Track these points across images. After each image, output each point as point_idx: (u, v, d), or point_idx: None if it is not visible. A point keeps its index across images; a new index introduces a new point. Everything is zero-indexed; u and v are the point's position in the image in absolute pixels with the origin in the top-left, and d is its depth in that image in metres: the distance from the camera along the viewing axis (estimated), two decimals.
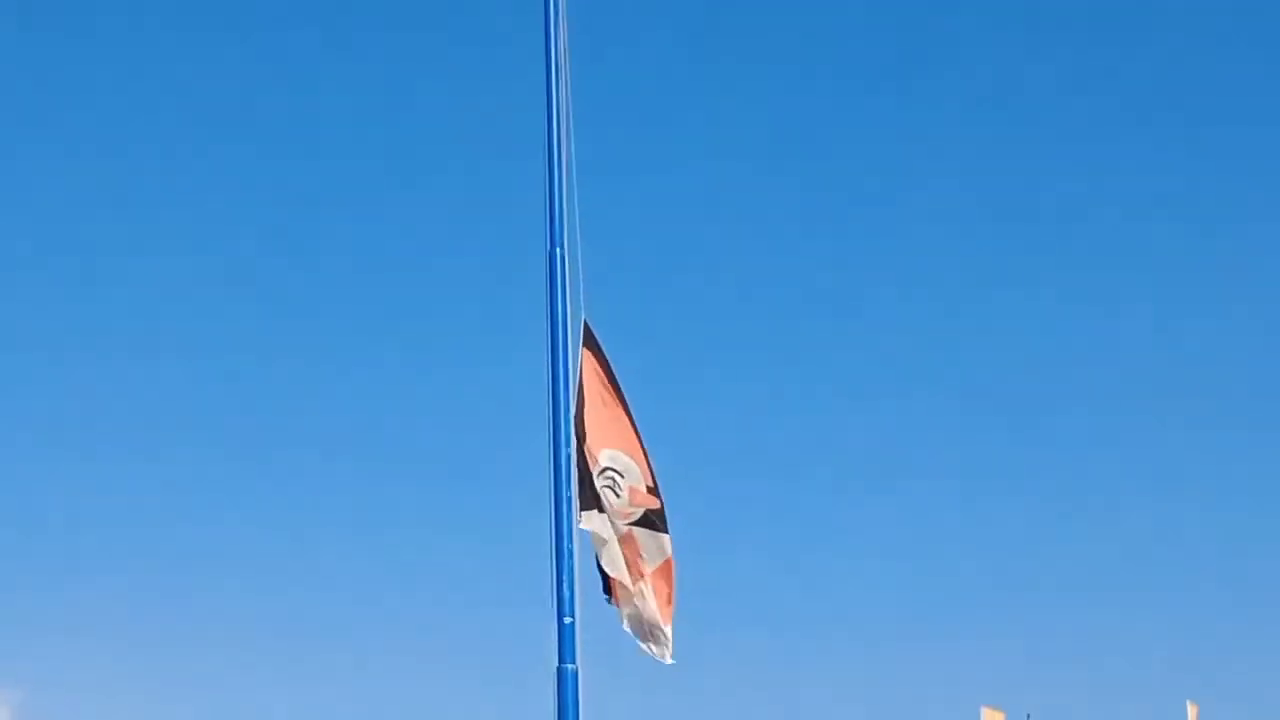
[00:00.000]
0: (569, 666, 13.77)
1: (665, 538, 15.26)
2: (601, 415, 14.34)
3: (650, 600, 14.95)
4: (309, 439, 76.29)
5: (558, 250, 14.64)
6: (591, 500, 14.29)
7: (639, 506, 14.60)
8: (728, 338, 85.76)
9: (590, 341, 14.09)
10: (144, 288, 65.73)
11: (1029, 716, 29.12)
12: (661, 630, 14.76)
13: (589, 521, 14.26)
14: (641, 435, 14.70)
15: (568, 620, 13.79)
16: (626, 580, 14.53)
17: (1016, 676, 72.00)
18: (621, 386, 14.55)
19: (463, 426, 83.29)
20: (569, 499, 14.01)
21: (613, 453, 14.69)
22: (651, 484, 14.88)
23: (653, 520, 15.12)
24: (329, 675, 78.47)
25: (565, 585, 13.82)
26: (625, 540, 14.72)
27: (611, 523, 14.55)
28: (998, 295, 77.72)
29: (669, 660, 14.68)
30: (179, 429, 65.57)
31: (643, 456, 14.86)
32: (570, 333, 14.74)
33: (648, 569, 14.80)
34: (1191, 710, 39.96)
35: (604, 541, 14.62)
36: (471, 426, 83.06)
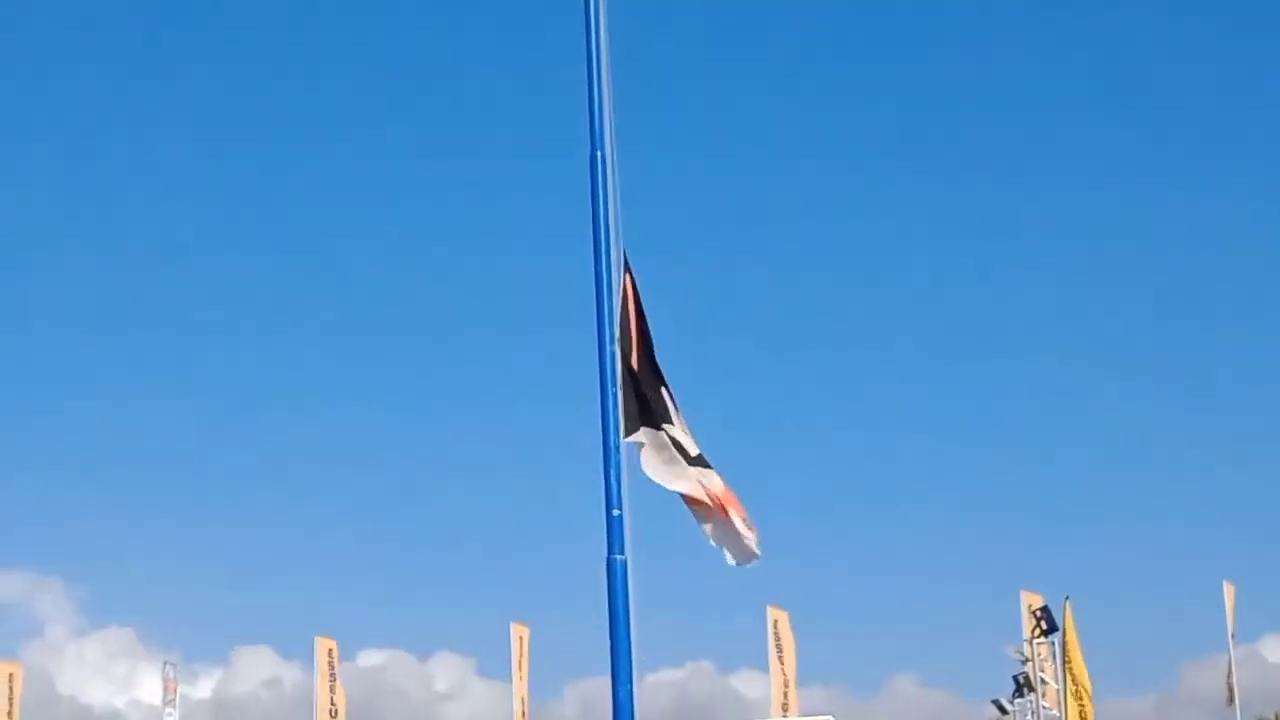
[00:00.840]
0: (618, 557, 14.13)
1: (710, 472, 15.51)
2: (639, 347, 14.56)
3: (730, 517, 15.09)
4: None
5: (599, 153, 14.84)
6: (642, 418, 14.48)
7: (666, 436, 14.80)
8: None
9: (628, 270, 14.29)
10: None
11: (1068, 598, 29.37)
12: (747, 538, 15.01)
13: (644, 438, 14.44)
14: (665, 375, 14.92)
15: (616, 513, 14.13)
16: (701, 495, 14.75)
17: (1054, 560, 72.84)
18: (649, 327, 14.76)
19: (516, 330, 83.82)
20: (614, 394, 14.30)
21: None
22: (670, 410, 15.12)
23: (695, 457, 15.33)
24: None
25: (613, 478, 14.15)
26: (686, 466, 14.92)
27: (673, 441, 14.75)
28: None
29: (755, 555, 14.94)
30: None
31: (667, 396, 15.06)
32: (613, 232, 14.96)
33: (710, 490, 15.01)
34: (1228, 590, 40.31)
35: (667, 457, 14.76)
36: (524, 331, 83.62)
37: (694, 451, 15.33)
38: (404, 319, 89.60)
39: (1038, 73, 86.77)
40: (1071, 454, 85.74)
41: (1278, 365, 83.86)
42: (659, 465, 14.74)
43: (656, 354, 14.69)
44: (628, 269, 14.31)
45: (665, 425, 14.63)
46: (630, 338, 14.32)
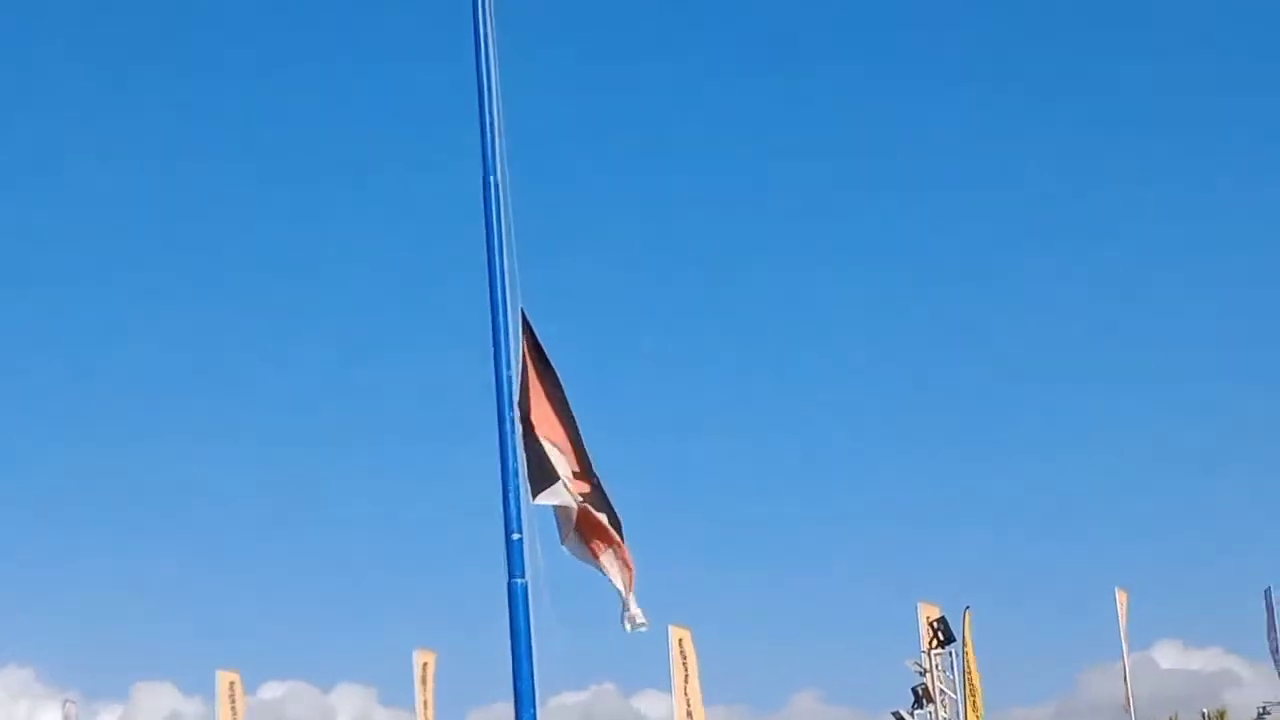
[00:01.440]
0: (519, 581, 14.20)
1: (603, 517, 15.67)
2: (541, 404, 14.69)
3: (617, 572, 15.24)
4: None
5: (491, 178, 14.92)
6: (546, 477, 14.60)
7: (574, 494, 14.97)
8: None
9: (527, 330, 14.39)
10: None
11: (967, 608, 29.74)
12: (627, 601, 15.18)
13: (548, 498, 14.56)
14: (573, 418, 15.06)
15: (515, 536, 14.20)
16: (598, 550, 14.93)
17: (949, 570, 73.71)
18: (555, 368, 14.86)
19: (412, 361, 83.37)
20: (513, 419, 14.37)
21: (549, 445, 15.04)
22: (578, 469, 15.30)
23: (592, 501, 15.49)
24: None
25: (511, 502, 14.23)
26: (583, 516, 15.03)
27: (570, 494, 14.89)
28: None
29: (642, 626, 15.14)
30: None
31: (568, 442, 15.24)
32: (507, 258, 15.03)
33: (604, 545, 15.18)
34: (1121, 598, 41.02)
35: (569, 517, 14.88)
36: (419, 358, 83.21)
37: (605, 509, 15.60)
38: (299, 350, 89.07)
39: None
40: (966, 462, 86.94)
41: (1170, 365, 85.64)
42: (570, 530, 14.97)
43: (570, 404, 14.83)
44: (526, 330, 14.39)
45: (567, 481, 14.81)
46: (529, 399, 14.47)
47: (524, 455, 14.33)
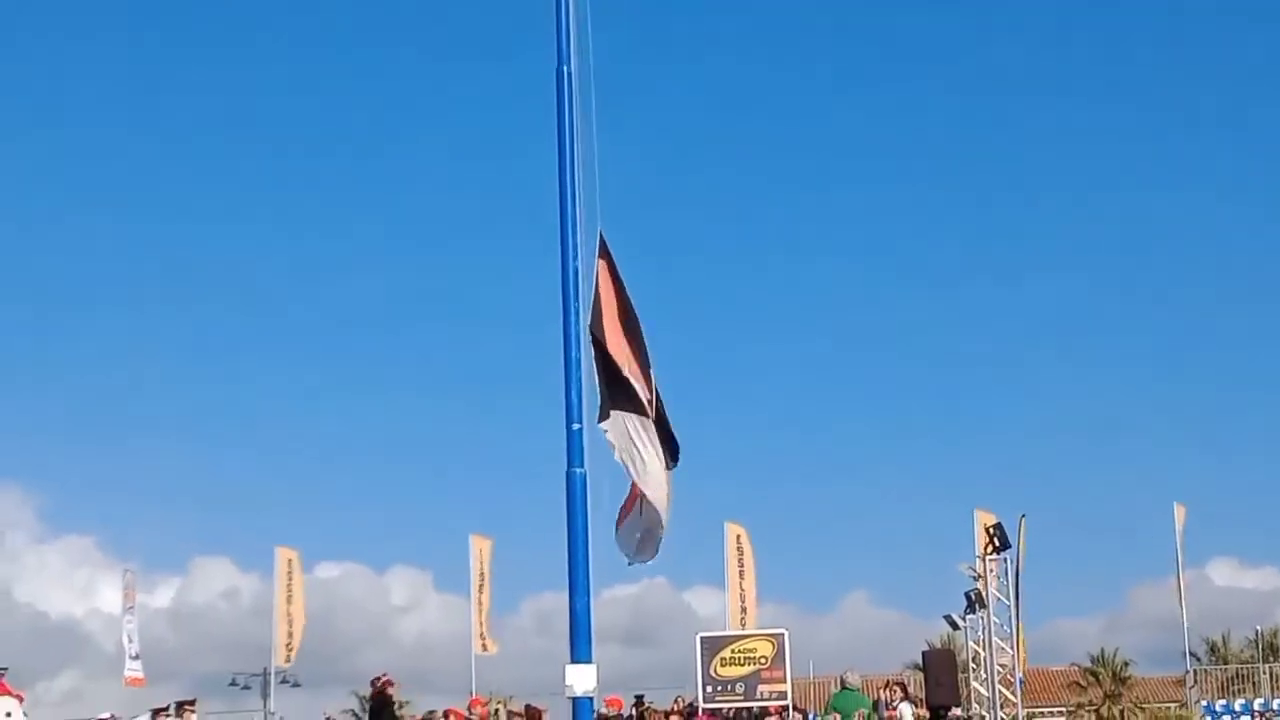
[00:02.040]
0: (578, 470, 14.32)
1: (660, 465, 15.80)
2: (615, 330, 14.57)
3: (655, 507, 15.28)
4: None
5: (565, 68, 14.84)
6: (617, 401, 14.64)
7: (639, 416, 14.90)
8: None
9: (605, 253, 14.27)
10: None
11: (1024, 516, 29.75)
12: (655, 532, 15.35)
13: (613, 422, 14.61)
14: (644, 346, 14.97)
15: (575, 427, 14.30)
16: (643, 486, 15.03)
17: (1006, 482, 73.51)
18: (630, 300, 14.73)
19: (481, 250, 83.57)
20: (578, 311, 14.41)
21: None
22: (650, 396, 15.25)
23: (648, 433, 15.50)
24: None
25: (574, 393, 14.31)
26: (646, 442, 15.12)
27: (638, 425, 14.92)
28: None
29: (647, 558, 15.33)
30: None
31: (639, 371, 15.20)
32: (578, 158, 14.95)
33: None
34: (1179, 512, 40.86)
35: (629, 442, 14.93)
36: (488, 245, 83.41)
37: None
38: (361, 236, 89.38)
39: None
40: (1028, 376, 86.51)
41: (1225, 288, 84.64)
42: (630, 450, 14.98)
43: (644, 332, 14.75)
44: (604, 253, 14.28)
45: (636, 414, 14.81)
46: (602, 323, 14.41)
47: (596, 373, 14.36)
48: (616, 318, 14.74)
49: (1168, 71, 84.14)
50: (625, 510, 15.22)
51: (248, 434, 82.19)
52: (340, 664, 69.38)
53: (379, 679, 23.97)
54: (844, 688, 24.71)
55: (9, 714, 24.23)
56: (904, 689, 25.21)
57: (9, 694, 24.67)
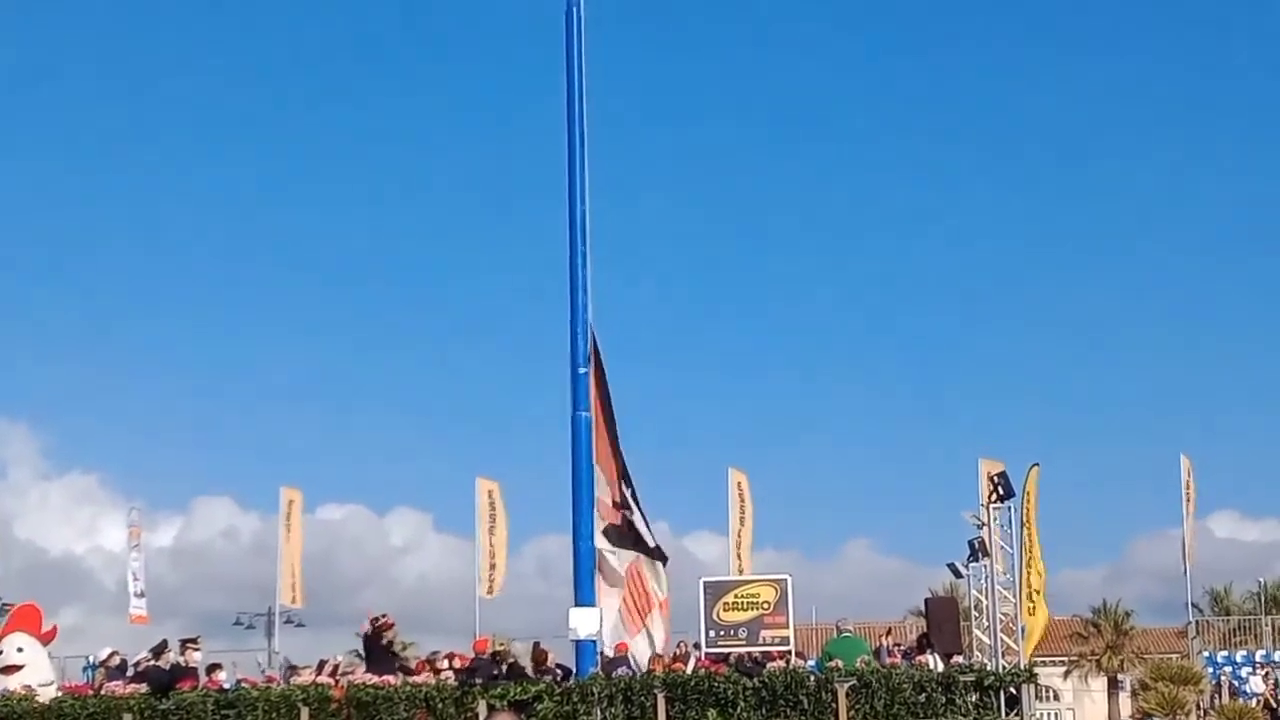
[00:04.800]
0: (583, 414, 14.37)
1: (624, 554, 16.97)
2: (599, 431, 15.30)
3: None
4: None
5: (574, 9, 14.78)
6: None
7: (601, 519, 15.91)
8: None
9: (595, 352, 14.64)
10: None
11: (1035, 464, 29.67)
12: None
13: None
14: (620, 448, 15.59)
15: (582, 370, 14.35)
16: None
17: (1009, 431, 73.56)
18: (610, 393, 15.18)
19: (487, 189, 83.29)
20: (584, 255, 14.41)
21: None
22: (618, 499, 16.11)
23: (610, 536, 16.63)
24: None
25: (580, 338, 14.33)
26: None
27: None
28: None
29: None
30: None
31: (614, 471, 16.00)
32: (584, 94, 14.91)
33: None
34: (1185, 463, 40.86)
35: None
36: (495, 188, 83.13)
37: (650, 543, 16.90)
38: (364, 180, 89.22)
39: None
40: (1033, 325, 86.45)
41: (1224, 244, 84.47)
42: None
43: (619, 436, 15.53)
44: (595, 351, 14.69)
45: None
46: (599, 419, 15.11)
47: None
48: (601, 423, 15.64)
49: None
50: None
51: (251, 375, 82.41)
52: (342, 604, 69.91)
53: (378, 619, 24.12)
54: (841, 633, 24.77)
55: (21, 649, 24.41)
56: (926, 639, 25.35)
57: (23, 630, 24.83)
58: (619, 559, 17.81)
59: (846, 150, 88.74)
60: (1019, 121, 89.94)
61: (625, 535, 17.59)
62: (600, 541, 16.61)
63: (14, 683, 23.72)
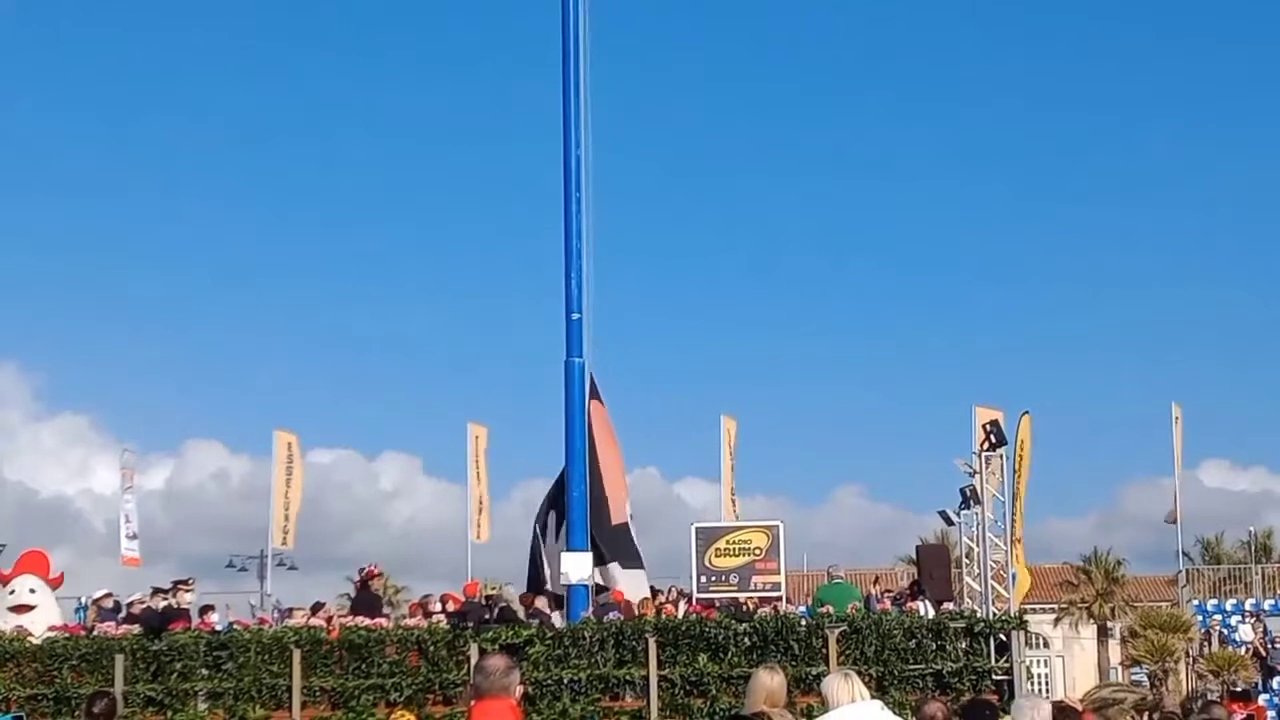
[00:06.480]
0: (576, 360, 14.33)
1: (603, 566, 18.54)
2: (607, 460, 15.97)
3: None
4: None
5: None
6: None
7: (617, 518, 16.75)
8: None
9: (595, 394, 15.00)
10: None
11: (1026, 412, 29.69)
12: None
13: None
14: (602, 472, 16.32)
15: (575, 316, 14.30)
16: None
17: (1002, 380, 73.63)
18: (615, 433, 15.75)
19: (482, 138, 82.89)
20: (579, 201, 14.34)
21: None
22: (623, 521, 17.16)
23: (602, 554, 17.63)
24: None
25: (574, 283, 14.27)
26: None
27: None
28: None
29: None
30: None
31: (622, 494, 17.02)
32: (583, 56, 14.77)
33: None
34: (1177, 412, 40.88)
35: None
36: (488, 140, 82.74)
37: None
38: (361, 129, 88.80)
39: None
40: (1026, 276, 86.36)
41: (1226, 183, 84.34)
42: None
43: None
44: (594, 392, 15.01)
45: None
46: (594, 446, 15.63)
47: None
48: (609, 449, 16.32)
49: None
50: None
51: (243, 319, 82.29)
52: (332, 547, 70.10)
53: (366, 569, 24.33)
54: (832, 580, 24.82)
55: (33, 590, 24.55)
56: (918, 585, 25.42)
57: (31, 572, 24.93)
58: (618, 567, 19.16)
59: (834, 98, 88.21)
60: (1012, 70, 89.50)
61: (625, 542, 18.63)
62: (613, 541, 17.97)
63: (26, 621, 23.85)
